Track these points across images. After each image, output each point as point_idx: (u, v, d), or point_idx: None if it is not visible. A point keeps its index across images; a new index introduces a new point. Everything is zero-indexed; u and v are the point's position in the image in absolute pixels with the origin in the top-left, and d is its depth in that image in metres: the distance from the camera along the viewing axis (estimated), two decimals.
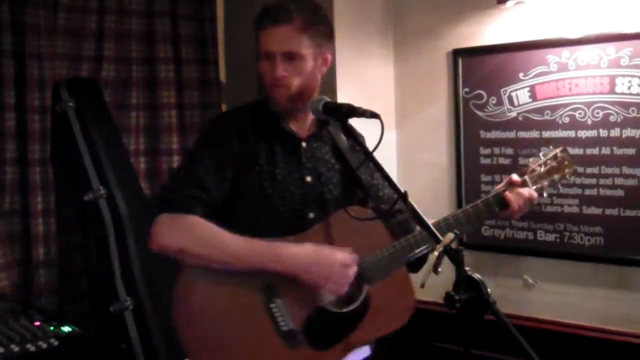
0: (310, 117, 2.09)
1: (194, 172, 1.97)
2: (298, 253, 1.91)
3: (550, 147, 2.30)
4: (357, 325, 1.97)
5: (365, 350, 2.09)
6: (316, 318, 1.95)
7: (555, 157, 2.23)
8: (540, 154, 2.26)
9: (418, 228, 1.98)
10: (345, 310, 1.96)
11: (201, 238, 1.91)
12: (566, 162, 2.23)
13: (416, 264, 2.09)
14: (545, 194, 2.23)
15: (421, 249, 2.00)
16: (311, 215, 2.04)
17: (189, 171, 1.99)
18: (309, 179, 2.07)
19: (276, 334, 1.93)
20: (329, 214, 2.04)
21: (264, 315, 1.93)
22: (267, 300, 1.94)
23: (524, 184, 2.16)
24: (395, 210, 2.14)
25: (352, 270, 1.93)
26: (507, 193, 2.11)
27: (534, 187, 2.17)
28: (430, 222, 1.76)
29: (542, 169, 2.21)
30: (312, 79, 2.04)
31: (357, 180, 2.10)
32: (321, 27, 2.03)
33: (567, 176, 2.25)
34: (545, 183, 2.20)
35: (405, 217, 2.17)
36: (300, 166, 2.07)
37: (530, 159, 2.24)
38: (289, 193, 2.03)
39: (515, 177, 2.16)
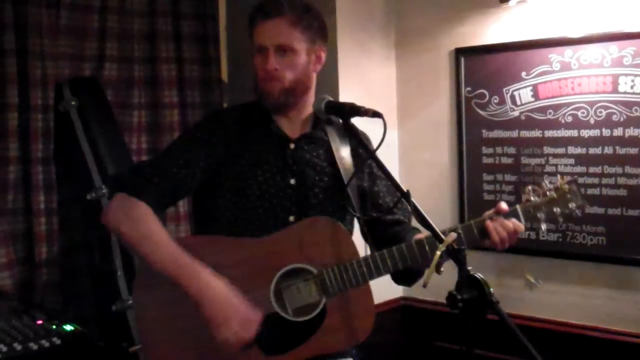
0: (304, 116, 2.07)
1: (162, 160, 2.04)
2: (211, 284, 1.86)
3: (558, 176, 2.10)
4: (309, 336, 1.91)
5: None
6: (269, 323, 1.90)
7: (558, 188, 2.00)
8: (544, 183, 2.03)
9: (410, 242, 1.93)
10: (299, 319, 1.91)
11: (139, 230, 1.93)
12: (570, 195, 1.99)
13: (405, 277, 2.05)
14: (543, 227, 2.00)
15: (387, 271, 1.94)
16: (291, 218, 2.02)
17: (158, 159, 2.10)
18: (292, 181, 2.03)
19: None
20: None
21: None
22: None
23: (513, 213, 1.95)
24: (391, 220, 2.12)
25: (252, 330, 1.85)
26: (488, 222, 1.91)
27: (526, 218, 1.96)
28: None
29: (540, 200, 1.98)
30: (306, 75, 2.03)
31: (344, 189, 2.04)
32: (314, 23, 2.03)
33: (571, 211, 2.00)
34: (542, 215, 1.98)
35: (401, 229, 2.11)
36: (285, 168, 2.04)
37: (529, 187, 2.01)
38: (269, 195, 2.01)
39: (503, 205, 1.95)
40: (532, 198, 1.98)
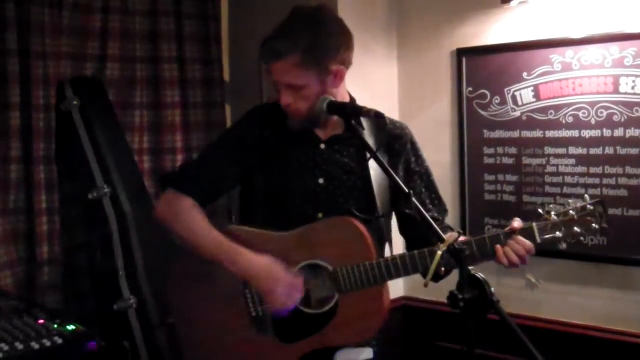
0: (336, 119, 2.07)
1: (206, 161, 2.20)
2: (253, 262, 2.02)
3: (586, 196, 1.98)
4: (322, 328, 2.00)
5: (368, 353, 2.11)
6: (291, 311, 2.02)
7: (583, 209, 1.93)
8: (569, 201, 1.96)
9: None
10: (312, 311, 2.02)
11: (185, 222, 2.11)
12: (591, 218, 1.92)
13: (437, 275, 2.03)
14: (564, 246, 1.93)
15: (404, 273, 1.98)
16: (320, 215, 2.08)
17: (203, 158, 2.24)
18: (321, 181, 2.09)
19: (247, 317, 2.08)
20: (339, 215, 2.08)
21: (239, 297, 2.08)
22: (244, 285, 2.07)
23: (527, 231, 1.91)
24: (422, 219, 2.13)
25: (296, 295, 1.99)
26: (498, 247, 1.91)
27: (542, 237, 1.92)
28: None
29: (560, 219, 1.92)
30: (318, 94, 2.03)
31: (368, 182, 2.09)
32: (321, 51, 1.98)
33: (596, 234, 1.94)
34: (559, 235, 1.91)
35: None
36: (315, 168, 2.09)
37: (551, 205, 1.95)
38: (299, 193, 2.08)
39: (516, 223, 1.93)
40: (552, 216, 1.93)
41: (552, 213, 1.93)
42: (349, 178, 2.10)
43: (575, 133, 2.95)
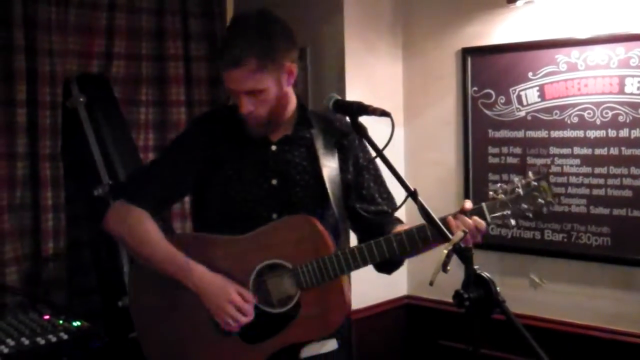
0: (285, 119, 2.10)
1: (157, 170, 2.19)
2: (205, 278, 2.01)
3: (530, 173, 2.03)
4: (285, 326, 2.01)
5: (332, 344, 2.11)
6: (255, 318, 2.02)
7: (527, 184, 1.98)
8: (516, 179, 2.01)
9: (389, 235, 1.98)
10: (275, 311, 2.02)
11: (136, 233, 2.09)
12: (537, 193, 1.97)
13: (386, 266, 2.09)
14: (513, 222, 1.98)
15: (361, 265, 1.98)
16: (274, 216, 2.08)
17: (153, 167, 2.25)
18: (274, 181, 2.09)
19: (208, 321, 2.04)
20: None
21: (200, 302, 2.03)
22: None
23: (477, 210, 1.94)
24: (375, 210, 2.16)
25: (243, 319, 1.99)
26: (450, 218, 1.92)
27: (492, 215, 1.95)
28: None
29: (505, 197, 1.96)
30: (282, 98, 2.05)
31: (321, 180, 2.09)
32: (277, 51, 1.98)
33: (542, 207, 1.97)
34: (508, 212, 1.96)
35: (384, 220, 2.15)
36: (267, 169, 2.10)
37: (498, 185, 2.01)
38: (252, 195, 2.08)
39: (467, 203, 1.95)
40: (498, 195, 1.97)
41: (499, 192, 1.98)
42: (301, 177, 2.12)
43: (580, 133, 2.96)
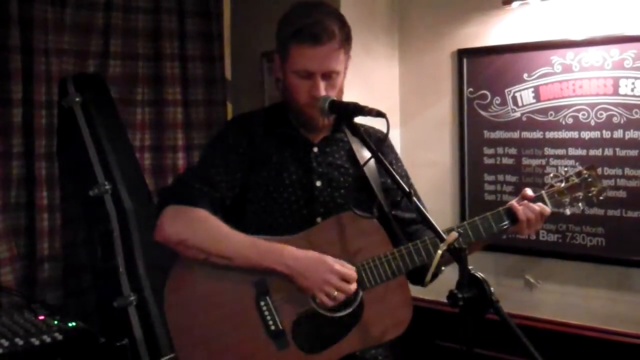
0: (326, 121, 2.05)
1: (205, 170, 2.01)
2: (300, 256, 1.88)
3: (578, 164, 2.22)
4: (348, 331, 1.92)
5: None
6: (306, 320, 1.92)
7: (579, 174, 2.09)
8: (564, 169, 2.14)
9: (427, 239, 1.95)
10: (336, 315, 1.91)
11: (205, 231, 1.91)
12: (590, 180, 2.08)
13: (419, 276, 2.00)
14: (568, 211, 2.07)
15: (419, 259, 1.94)
16: (319, 219, 2.02)
17: (200, 169, 2.04)
18: (318, 183, 2.04)
19: (264, 333, 1.92)
20: None
21: (253, 312, 1.92)
22: (257, 298, 1.93)
23: (539, 198, 2.02)
24: (409, 219, 2.13)
25: (351, 286, 1.87)
26: (515, 204, 1.98)
27: (551, 203, 2.03)
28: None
29: (563, 185, 2.07)
30: (342, 89, 2.03)
31: (365, 182, 2.05)
32: (351, 38, 2.00)
33: (594, 196, 2.09)
34: (566, 200, 2.06)
35: (419, 227, 2.12)
36: (311, 171, 2.05)
37: (552, 174, 2.11)
38: (296, 197, 2.02)
39: (528, 191, 2.02)
40: (555, 184, 2.07)
41: (555, 181, 2.08)
42: (345, 180, 2.07)
43: (574, 134, 2.96)
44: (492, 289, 1.58)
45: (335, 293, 1.85)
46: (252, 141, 2.04)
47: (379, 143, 2.04)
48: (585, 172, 2.08)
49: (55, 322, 2.50)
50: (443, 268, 1.99)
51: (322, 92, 1.93)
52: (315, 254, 1.89)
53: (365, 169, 2.03)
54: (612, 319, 2.95)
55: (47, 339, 2.38)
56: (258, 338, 1.91)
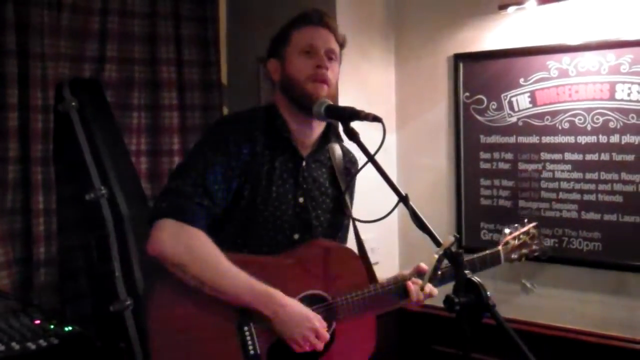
0: (316, 135, 2.09)
1: (204, 179, 1.92)
2: (286, 304, 1.90)
3: (526, 220, 2.49)
4: (317, 359, 1.98)
5: None
6: (280, 347, 1.94)
7: (527, 232, 2.43)
8: (515, 226, 2.44)
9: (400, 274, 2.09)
10: None
11: (205, 261, 1.87)
12: (533, 239, 2.45)
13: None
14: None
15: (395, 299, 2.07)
16: (296, 236, 2.05)
17: (197, 174, 1.93)
18: (301, 200, 2.06)
19: (242, 357, 1.92)
20: (312, 237, 2.08)
21: (234, 336, 1.91)
22: (240, 323, 1.92)
23: (495, 255, 2.34)
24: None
25: (321, 343, 1.93)
26: (409, 283, 2.06)
27: (504, 258, 2.35)
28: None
29: (516, 242, 2.40)
30: (336, 87, 2.09)
31: (342, 205, 2.13)
32: (344, 45, 2.14)
33: (534, 253, 2.45)
34: (515, 256, 2.40)
35: None
36: (297, 186, 2.06)
37: (507, 230, 2.42)
38: (280, 212, 2.02)
39: (422, 265, 2.10)
40: (510, 240, 2.39)
41: (507, 239, 2.39)
42: (323, 200, 2.11)
43: (571, 139, 2.97)
44: (488, 293, 1.59)
45: (306, 346, 1.91)
46: (254, 149, 2.00)
47: (349, 163, 2.20)
48: (532, 230, 2.44)
49: (52, 327, 2.48)
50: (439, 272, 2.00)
51: (327, 65, 2.01)
52: (303, 308, 1.92)
53: (344, 192, 2.12)
54: (608, 324, 2.95)
55: (44, 344, 2.36)
56: (233, 356, 1.91)
